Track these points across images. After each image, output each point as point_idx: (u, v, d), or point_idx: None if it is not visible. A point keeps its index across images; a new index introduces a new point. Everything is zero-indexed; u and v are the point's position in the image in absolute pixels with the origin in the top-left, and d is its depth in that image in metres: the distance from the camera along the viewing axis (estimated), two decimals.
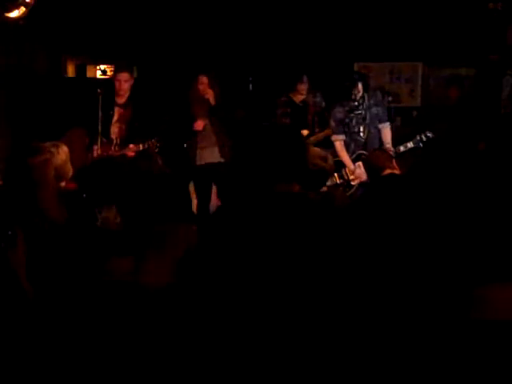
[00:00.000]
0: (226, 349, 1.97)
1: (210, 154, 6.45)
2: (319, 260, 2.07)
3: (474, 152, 7.01)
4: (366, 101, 5.96)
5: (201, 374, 1.94)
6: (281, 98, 7.15)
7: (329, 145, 6.35)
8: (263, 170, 2.27)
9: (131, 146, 5.83)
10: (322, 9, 7.96)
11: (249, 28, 7.97)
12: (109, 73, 7.43)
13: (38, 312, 2.38)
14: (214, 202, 6.63)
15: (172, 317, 1.99)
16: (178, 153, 6.67)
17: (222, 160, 6.43)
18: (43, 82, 7.59)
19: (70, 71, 8.36)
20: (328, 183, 4.23)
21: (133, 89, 6.06)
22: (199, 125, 6.40)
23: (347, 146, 6.06)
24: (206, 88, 6.34)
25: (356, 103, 5.94)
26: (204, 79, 6.37)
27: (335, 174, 5.96)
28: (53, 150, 3.81)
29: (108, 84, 6.28)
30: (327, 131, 6.63)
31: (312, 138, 6.86)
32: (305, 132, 6.89)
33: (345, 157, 6.02)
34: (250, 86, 8.10)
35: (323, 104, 7.12)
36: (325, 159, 3.85)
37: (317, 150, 6.49)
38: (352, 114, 5.97)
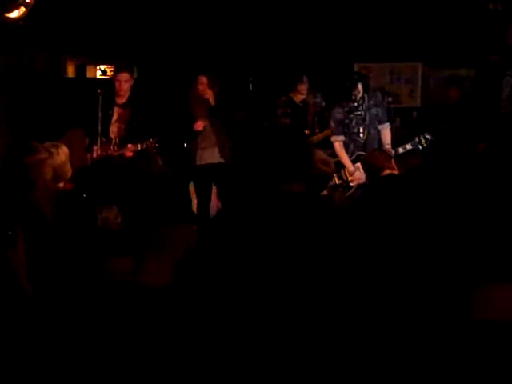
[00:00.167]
0: (227, 349, 1.97)
1: (210, 155, 6.44)
2: (320, 260, 2.07)
3: (473, 152, 7.01)
4: (366, 101, 5.95)
5: (201, 374, 1.94)
6: (281, 98, 7.15)
7: (328, 145, 6.35)
8: (266, 169, 2.27)
9: (129, 145, 5.83)
10: (322, 9, 7.96)
11: (249, 28, 7.97)
12: (109, 73, 7.43)
13: (38, 312, 2.38)
14: (214, 202, 6.63)
15: (172, 317, 1.99)
16: (178, 153, 6.66)
17: (222, 160, 6.42)
18: (43, 82, 7.59)
19: (70, 71, 8.36)
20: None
21: (133, 89, 6.06)
22: (199, 125, 6.39)
23: (346, 146, 6.06)
24: (205, 88, 6.33)
25: (356, 104, 5.93)
26: (203, 79, 6.35)
27: (334, 175, 5.96)
28: (52, 150, 3.81)
29: (108, 84, 6.28)
30: (327, 131, 6.62)
31: (312, 139, 6.86)
32: (305, 132, 6.89)
33: (344, 158, 6.02)
34: (250, 86, 8.10)
35: (323, 104, 7.12)
36: (326, 163, 3.85)
37: (319, 153, 6.51)
38: (352, 115, 5.96)
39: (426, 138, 5.71)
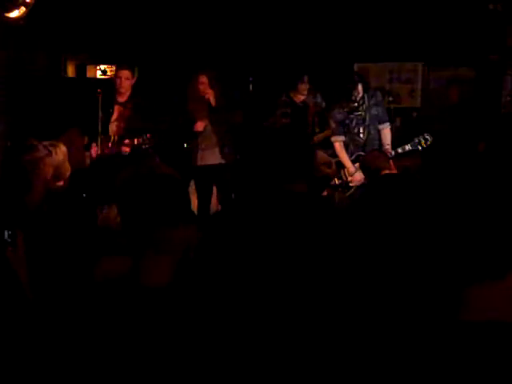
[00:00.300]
0: (228, 349, 1.97)
1: (211, 156, 6.42)
2: (321, 259, 2.07)
3: (473, 152, 7.01)
4: (366, 102, 5.94)
5: (202, 374, 1.94)
6: (281, 98, 7.15)
7: (328, 145, 6.35)
8: (269, 169, 2.28)
9: (126, 141, 5.83)
10: (322, 9, 7.96)
11: (249, 28, 7.97)
12: (109, 73, 7.44)
13: (38, 312, 2.38)
14: (215, 202, 6.62)
15: (173, 317, 1.99)
16: (178, 153, 6.66)
17: (223, 161, 6.40)
18: (43, 82, 7.59)
19: (70, 71, 8.37)
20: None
21: (134, 88, 6.06)
22: (199, 126, 6.37)
23: (346, 146, 6.05)
24: (206, 88, 6.29)
25: (356, 104, 5.92)
26: (204, 78, 6.31)
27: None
28: (50, 149, 3.81)
29: (108, 84, 6.29)
30: (327, 132, 6.62)
31: (313, 138, 6.86)
32: None
33: (344, 158, 6.01)
34: (250, 86, 8.10)
35: (323, 105, 7.11)
36: (329, 165, 3.86)
37: (321, 155, 6.51)
38: (352, 115, 5.96)
39: (425, 139, 5.70)
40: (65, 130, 5.91)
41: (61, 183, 3.65)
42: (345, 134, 6.03)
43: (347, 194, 5.93)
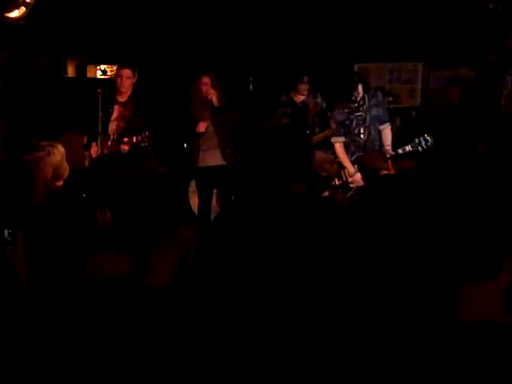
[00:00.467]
0: (229, 349, 1.97)
1: (212, 157, 6.39)
2: (320, 259, 2.08)
3: (473, 152, 7.01)
4: (367, 102, 5.93)
5: (203, 374, 1.94)
6: (281, 98, 7.14)
7: (328, 145, 6.35)
8: (269, 169, 2.28)
9: (125, 139, 5.82)
10: (322, 9, 7.95)
11: (249, 28, 7.97)
12: (109, 73, 7.43)
13: (39, 312, 2.38)
14: (215, 204, 6.62)
15: (176, 317, 1.99)
16: (178, 153, 6.65)
17: (224, 163, 6.38)
18: (43, 81, 7.59)
19: (70, 71, 8.36)
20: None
21: (134, 88, 6.04)
22: (201, 126, 6.35)
23: (347, 147, 6.05)
24: (209, 89, 6.26)
25: (356, 104, 5.91)
26: (206, 79, 6.29)
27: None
28: (48, 148, 3.81)
29: (108, 84, 6.28)
30: (327, 132, 6.62)
31: (313, 138, 6.86)
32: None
33: (345, 159, 6.01)
34: (251, 86, 8.09)
35: (324, 105, 7.11)
36: (333, 163, 3.86)
37: (323, 155, 6.51)
38: (352, 116, 5.95)
39: (426, 140, 5.68)
40: (64, 130, 5.91)
41: (60, 183, 3.65)
42: (345, 134, 6.02)
43: (348, 195, 5.92)
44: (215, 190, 6.60)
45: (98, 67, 7.97)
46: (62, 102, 7.24)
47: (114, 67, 6.87)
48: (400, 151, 5.73)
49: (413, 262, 1.96)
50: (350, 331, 1.90)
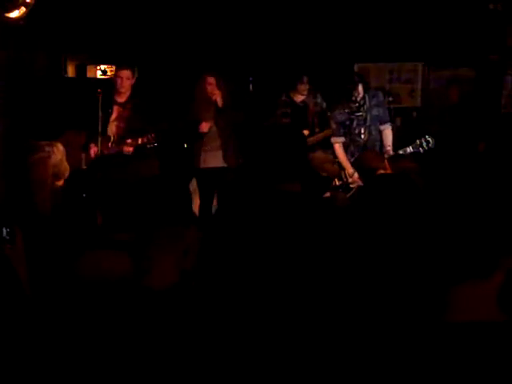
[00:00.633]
0: (229, 349, 1.97)
1: (214, 158, 6.38)
2: (316, 259, 2.08)
3: (473, 152, 7.01)
4: (367, 102, 5.92)
5: (204, 375, 1.94)
6: (281, 98, 7.13)
7: (328, 145, 6.35)
8: (264, 169, 2.29)
9: (129, 140, 5.81)
10: (322, 9, 7.96)
11: (249, 28, 7.97)
12: (109, 73, 7.43)
13: (38, 311, 2.38)
14: (216, 205, 6.61)
15: (178, 318, 1.99)
16: (179, 153, 6.65)
17: (225, 165, 6.37)
18: (43, 81, 7.59)
19: (70, 71, 8.37)
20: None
21: (133, 89, 6.04)
22: (204, 126, 6.33)
23: (347, 147, 6.04)
24: (213, 89, 6.25)
25: (357, 105, 5.90)
26: (212, 80, 6.27)
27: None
28: (48, 148, 3.80)
29: (108, 84, 6.28)
30: (327, 132, 6.61)
31: (311, 139, 6.85)
32: (305, 132, 6.88)
33: (344, 159, 6.00)
34: (251, 86, 8.09)
35: (324, 105, 7.10)
36: (333, 163, 3.87)
37: (323, 155, 6.51)
38: (353, 116, 5.94)
39: (427, 141, 5.67)
40: (64, 130, 5.91)
41: (60, 183, 3.65)
42: (345, 134, 6.02)
43: (348, 196, 5.91)
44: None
45: (98, 67, 7.97)
46: (61, 101, 7.24)
47: (114, 67, 6.87)
48: (401, 152, 5.73)
49: (406, 261, 1.96)
50: (346, 331, 1.90)
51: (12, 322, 2.31)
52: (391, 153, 5.69)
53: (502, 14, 7.62)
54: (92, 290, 2.30)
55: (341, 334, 1.91)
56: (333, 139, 6.13)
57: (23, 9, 5.60)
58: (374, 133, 5.96)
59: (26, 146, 3.30)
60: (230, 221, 2.25)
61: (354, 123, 5.96)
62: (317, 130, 7.01)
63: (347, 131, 5.99)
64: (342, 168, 6.01)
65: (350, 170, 5.94)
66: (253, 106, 7.49)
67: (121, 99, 6.03)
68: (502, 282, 1.39)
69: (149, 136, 5.76)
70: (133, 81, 6.04)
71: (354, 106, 5.90)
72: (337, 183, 5.96)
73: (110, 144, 5.87)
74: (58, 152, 3.42)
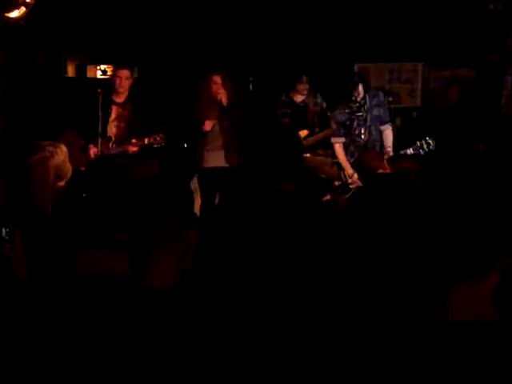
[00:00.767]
0: (228, 350, 1.97)
1: (216, 158, 6.37)
2: (312, 258, 2.09)
3: (473, 152, 7.01)
4: (368, 102, 5.91)
5: (203, 375, 1.94)
6: (281, 98, 7.13)
7: (328, 145, 6.34)
8: (259, 169, 2.30)
9: (134, 140, 5.79)
10: (322, 9, 7.96)
11: (249, 28, 7.97)
12: (109, 73, 7.42)
13: (38, 311, 2.38)
14: None
15: (178, 318, 1.99)
16: (179, 153, 6.65)
17: (227, 165, 6.36)
18: (43, 81, 7.59)
19: (70, 71, 8.37)
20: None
21: (132, 88, 6.03)
22: (208, 125, 6.32)
23: (347, 147, 6.03)
24: (218, 87, 6.24)
25: (357, 105, 5.89)
26: (217, 78, 6.25)
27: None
28: (51, 149, 3.80)
29: (108, 84, 6.27)
30: (326, 132, 6.60)
31: (311, 139, 6.85)
32: (305, 132, 6.88)
33: (344, 160, 5.99)
34: (251, 86, 8.09)
35: (324, 105, 7.09)
36: (332, 165, 3.87)
37: (322, 158, 6.50)
38: (353, 116, 5.93)
39: (428, 144, 5.66)
40: (64, 130, 5.90)
41: (62, 183, 3.65)
42: (345, 135, 6.01)
43: (347, 196, 5.90)
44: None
45: (98, 67, 7.97)
46: (61, 101, 7.24)
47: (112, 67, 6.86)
48: (401, 153, 5.72)
49: (404, 261, 1.96)
50: (344, 330, 1.90)
51: (12, 321, 2.31)
52: (391, 154, 5.68)
53: (502, 13, 7.62)
54: (92, 290, 2.30)
55: (339, 334, 1.91)
56: (333, 139, 6.12)
57: (23, 9, 5.60)
58: (374, 133, 5.95)
59: (26, 145, 3.30)
60: (225, 220, 2.26)
61: (355, 123, 5.95)
62: (317, 129, 7.00)
63: (347, 131, 5.98)
64: (341, 168, 6.00)
65: (349, 170, 5.93)
66: (253, 106, 7.48)
67: (119, 99, 6.01)
68: (498, 282, 1.39)
69: (156, 136, 5.75)
70: (131, 81, 6.03)
71: (354, 106, 5.89)
72: (336, 184, 5.96)
73: (110, 144, 5.86)
74: (61, 152, 3.41)
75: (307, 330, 2.01)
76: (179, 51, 8.13)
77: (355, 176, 5.80)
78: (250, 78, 8.02)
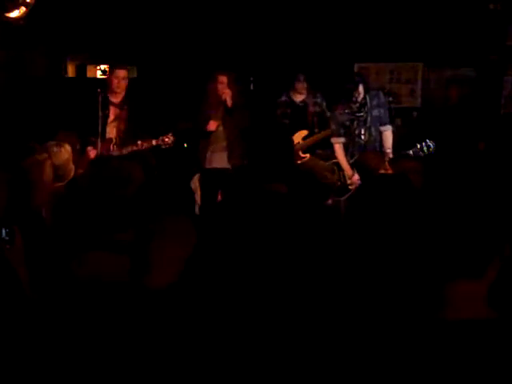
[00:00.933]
0: (227, 349, 1.97)
1: (219, 159, 6.36)
2: (304, 258, 2.10)
3: (473, 152, 7.01)
4: (368, 103, 5.91)
5: (202, 375, 1.94)
6: (281, 99, 7.13)
7: (328, 145, 6.34)
8: (252, 169, 2.32)
9: (139, 142, 5.76)
10: (322, 9, 7.96)
11: (249, 28, 7.97)
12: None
13: (38, 312, 2.38)
14: None
15: (178, 318, 1.99)
16: (178, 153, 6.64)
17: (230, 167, 6.35)
18: (43, 81, 7.60)
19: (70, 71, 8.37)
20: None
21: (129, 88, 5.99)
22: (212, 125, 6.31)
23: (346, 147, 6.03)
24: (224, 88, 6.23)
25: (358, 105, 5.89)
26: (224, 79, 6.24)
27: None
28: (55, 149, 3.80)
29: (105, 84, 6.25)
30: (326, 132, 6.59)
31: (310, 139, 6.85)
32: (304, 132, 6.87)
33: (343, 160, 5.99)
34: (251, 85, 8.08)
35: (324, 105, 7.09)
36: (333, 171, 3.86)
37: (322, 163, 6.49)
38: (353, 117, 5.93)
39: (428, 146, 5.65)
40: (59, 131, 5.89)
41: (62, 184, 3.65)
42: (345, 135, 6.01)
43: (346, 197, 5.90)
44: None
45: (98, 67, 7.98)
46: (62, 102, 7.24)
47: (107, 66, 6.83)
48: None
49: (402, 259, 1.96)
50: (341, 328, 1.90)
51: (12, 322, 2.31)
52: (391, 155, 5.67)
53: (502, 13, 7.62)
54: (91, 291, 2.30)
55: (336, 332, 1.91)
56: (333, 139, 6.12)
57: (23, 9, 5.60)
58: (374, 134, 5.95)
59: (27, 147, 3.30)
60: (220, 219, 2.28)
61: (355, 124, 5.94)
62: (316, 130, 6.99)
63: (347, 132, 5.98)
64: (340, 169, 6.00)
65: (349, 171, 5.93)
66: (253, 106, 7.48)
67: (116, 99, 5.97)
68: (493, 280, 1.40)
69: (164, 138, 5.74)
70: (127, 80, 6.00)
71: (354, 106, 5.89)
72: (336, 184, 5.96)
73: (111, 146, 5.84)
74: (65, 152, 3.42)
75: (304, 328, 2.01)
76: (179, 51, 8.13)
77: (355, 177, 5.80)
78: (251, 78, 8.01)
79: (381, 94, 6.12)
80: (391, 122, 6.21)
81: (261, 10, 7.92)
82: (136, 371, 1.97)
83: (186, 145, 6.60)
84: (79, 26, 7.61)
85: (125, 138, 5.85)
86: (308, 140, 6.83)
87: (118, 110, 5.94)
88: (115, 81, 5.90)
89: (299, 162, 6.61)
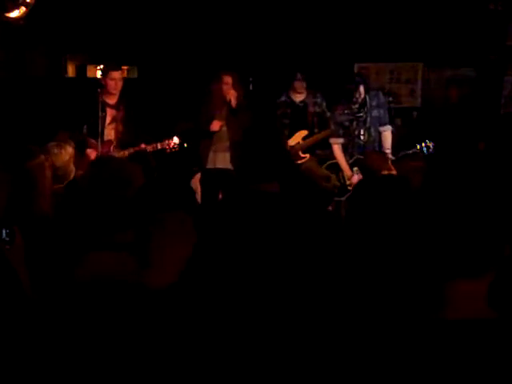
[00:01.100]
0: (227, 350, 1.97)
1: (222, 159, 6.34)
2: (297, 257, 2.11)
3: (473, 152, 7.01)
4: (368, 103, 5.91)
5: (202, 375, 1.94)
6: (281, 99, 7.12)
7: (327, 146, 6.34)
8: (244, 169, 2.33)
9: (143, 145, 5.74)
10: (322, 9, 7.96)
11: (249, 28, 7.97)
12: None
13: (39, 312, 2.38)
14: None
15: (178, 318, 2.00)
16: (178, 153, 6.64)
17: (231, 167, 6.34)
18: (43, 81, 7.60)
19: (70, 71, 8.37)
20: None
21: (123, 88, 5.96)
22: (216, 125, 6.31)
23: (345, 148, 6.03)
24: (229, 88, 6.23)
25: (357, 105, 5.88)
26: (228, 79, 6.24)
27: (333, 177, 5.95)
28: (56, 150, 3.80)
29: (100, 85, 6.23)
30: (326, 132, 6.59)
31: (310, 139, 6.84)
32: (304, 132, 6.87)
33: (343, 161, 5.99)
34: (251, 86, 8.08)
35: (324, 105, 7.08)
36: (327, 179, 3.85)
37: (320, 170, 6.48)
38: (353, 117, 5.93)
39: (427, 147, 5.65)
40: (64, 130, 5.89)
41: (63, 184, 3.65)
42: (344, 135, 6.01)
43: (345, 197, 5.89)
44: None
45: (98, 67, 7.97)
46: (62, 102, 7.24)
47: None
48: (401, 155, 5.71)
49: (403, 258, 1.97)
50: (339, 329, 1.90)
51: (12, 322, 2.31)
52: (390, 156, 5.67)
53: (502, 13, 7.62)
54: (92, 292, 2.30)
55: (336, 332, 1.91)
56: (331, 140, 6.12)
57: (23, 9, 5.60)
58: (373, 134, 5.95)
59: (26, 150, 3.30)
60: (217, 219, 2.29)
61: (354, 124, 5.94)
62: (316, 130, 6.98)
63: (347, 132, 5.98)
64: (339, 170, 5.99)
65: (348, 171, 5.93)
66: (253, 107, 7.47)
67: (111, 101, 5.93)
68: (493, 280, 1.40)
69: (170, 141, 5.73)
70: (123, 81, 5.98)
71: (354, 106, 5.88)
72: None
73: (111, 148, 5.82)
74: (66, 153, 3.42)
75: (304, 327, 2.01)
76: (179, 51, 8.13)
77: (354, 177, 5.80)
78: (251, 79, 8.01)
79: (380, 95, 6.11)
80: (391, 123, 6.21)
81: (260, 10, 7.92)
82: (136, 371, 1.97)
83: (186, 145, 6.59)
84: (79, 26, 7.61)
85: (123, 140, 5.84)
86: (308, 140, 6.82)
87: (114, 112, 5.92)
88: (112, 82, 5.86)
89: (299, 162, 6.61)
